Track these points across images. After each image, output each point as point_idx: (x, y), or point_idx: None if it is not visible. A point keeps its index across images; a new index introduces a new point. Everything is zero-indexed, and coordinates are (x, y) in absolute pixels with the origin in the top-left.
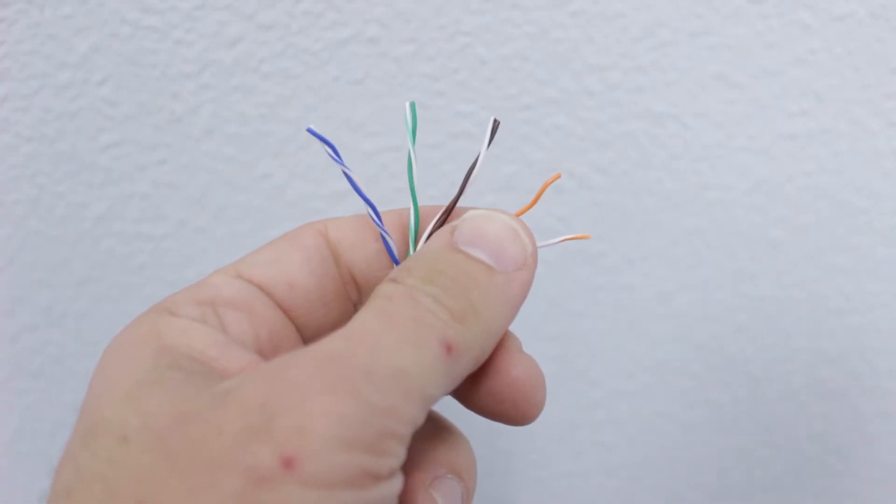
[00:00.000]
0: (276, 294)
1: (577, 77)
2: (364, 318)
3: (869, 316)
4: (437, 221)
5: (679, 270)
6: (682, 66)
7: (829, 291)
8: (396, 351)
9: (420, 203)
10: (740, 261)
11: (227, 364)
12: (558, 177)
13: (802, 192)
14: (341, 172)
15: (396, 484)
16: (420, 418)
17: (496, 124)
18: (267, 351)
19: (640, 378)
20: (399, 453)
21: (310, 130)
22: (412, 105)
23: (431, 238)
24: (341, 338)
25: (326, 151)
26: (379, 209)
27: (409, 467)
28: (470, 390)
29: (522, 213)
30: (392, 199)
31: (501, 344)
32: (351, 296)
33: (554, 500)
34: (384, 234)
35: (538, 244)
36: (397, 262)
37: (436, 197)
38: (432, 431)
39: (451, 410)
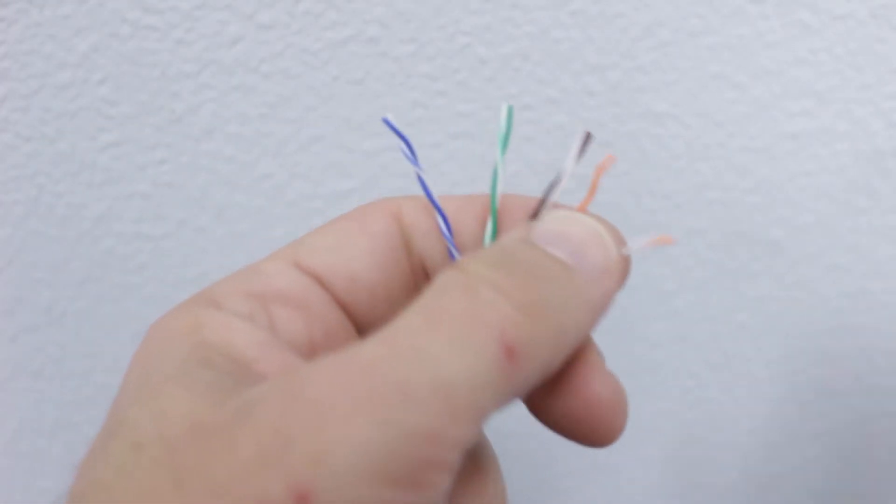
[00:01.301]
0: (335, 288)
1: (577, 77)
2: (408, 316)
3: (869, 316)
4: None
5: (679, 270)
6: (683, 66)
7: (829, 291)
8: (443, 358)
9: None
10: (740, 261)
11: (266, 367)
12: (612, 159)
13: (802, 192)
14: (414, 168)
15: None
16: (471, 439)
17: (588, 137)
18: (322, 353)
19: (641, 378)
20: (442, 483)
21: (385, 121)
22: (510, 109)
23: (504, 233)
24: (378, 342)
25: (401, 148)
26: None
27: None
28: (542, 405)
29: (584, 205)
30: None
31: (582, 358)
32: (419, 289)
33: (554, 500)
34: (452, 250)
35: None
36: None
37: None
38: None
39: None
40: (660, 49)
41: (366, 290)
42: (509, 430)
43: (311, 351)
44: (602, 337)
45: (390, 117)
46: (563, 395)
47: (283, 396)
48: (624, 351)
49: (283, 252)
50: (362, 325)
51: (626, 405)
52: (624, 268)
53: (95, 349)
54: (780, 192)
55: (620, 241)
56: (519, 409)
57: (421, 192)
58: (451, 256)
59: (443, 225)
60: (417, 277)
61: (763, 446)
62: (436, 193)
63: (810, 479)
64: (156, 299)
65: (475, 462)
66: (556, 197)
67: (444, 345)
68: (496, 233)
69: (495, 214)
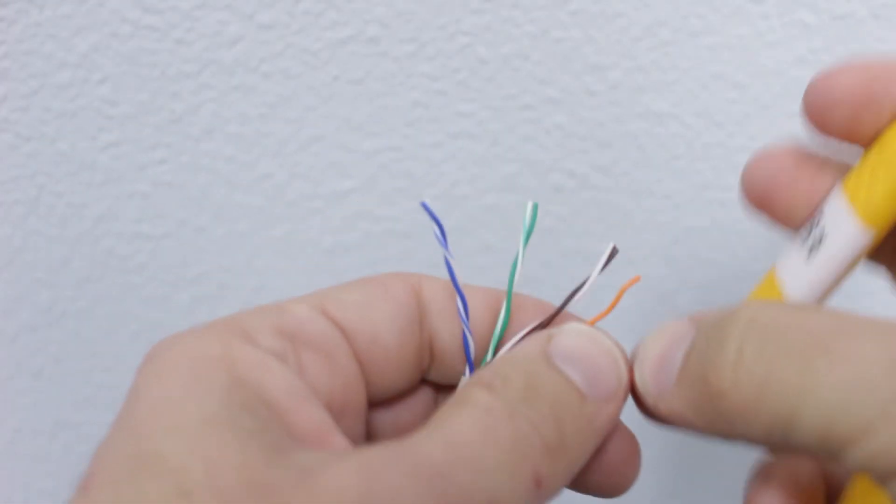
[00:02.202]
0: (358, 344)
1: (577, 77)
2: (461, 428)
3: (868, 316)
4: (533, 329)
5: (679, 270)
6: (683, 66)
7: None
8: (495, 475)
9: (409, 215)
10: (740, 260)
11: (297, 419)
12: (637, 279)
13: None
14: (442, 251)
15: None
16: None
17: (614, 251)
18: (337, 404)
19: None
20: None
21: (424, 206)
22: (534, 207)
23: (525, 340)
24: (440, 445)
25: (434, 232)
26: (368, 221)
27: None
28: None
29: (599, 318)
30: (392, 199)
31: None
32: (423, 361)
33: (553, 499)
34: (466, 333)
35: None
36: (471, 366)
37: (437, 196)
38: None
39: None
40: (660, 49)
41: (383, 353)
42: None
43: (329, 402)
44: None
45: (428, 202)
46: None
47: (360, 475)
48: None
49: (310, 298)
50: (371, 381)
51: (639, 457)
52: (628, 389)
53: (95, 349)
54: None
55: (629, 364)
56: None
57: (442, 274)
58: (465, 341)
59: (461, 308)
60: (423, 348)
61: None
62: (436, 193)
63: None
64: (156, 299)
65: None
66: (574, 306)
67: (497, 465)
68: (507, 324)
69: (508, 307)
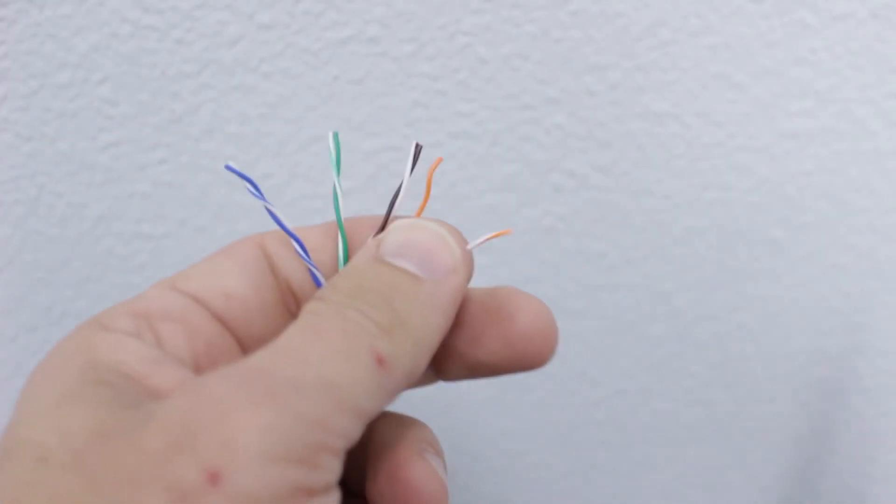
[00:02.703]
0: (213, 305)
1: (577, 76)
2: (291, 333)
3: (869, 316)
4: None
5: (679, 270)
6: (683, 66)
7: (829, 291)
8: (326, 362)
9: (408, 213)
10: (740, 261)
11: (159, 381)
12: (440, 160)
13: (803, 191)
14: (262, 203)
15: (332, 500)
16: (354, 433)
17: (418, 148)
18: (205, 366)
19: (640, 378)
20: (334, 468)
21: (228, 167)
22: (335, 136)
23: (357, 252)
24: (267, 352)
25: (248, 188)
26: (350, 214)
27: (395, 442)
28: (470, 350)
29: (422, 207)
30: None
31: (499, 294)
32: (290, 307)
33: (554, 500)
34: (310, 266)
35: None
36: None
37: (437, 196)
38: (400, 421)
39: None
40: (660, 49)
41: (240, 305)
42: (510, 429)
43: (195, 363)
44: (602, 336)
45: (232, 164)
46: (491, 338)
47: (186, 396)
48: (624, 351)
49: (163, 281)
50: (242, 338)
51: (549, 320)
52: (469, 264)
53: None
54: (780, 192)
55: (463, 240)
56: (518, 407)
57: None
58: (313, 276)
59: (299, 249)
60: (285, 295)
61: (763, 446)
62: (437, 193)
63: (810, 479)
64: None
65: (409, 417)
66: (398, 209)
67: (327, 353)
68: (348, 250)
69: (343, 234)
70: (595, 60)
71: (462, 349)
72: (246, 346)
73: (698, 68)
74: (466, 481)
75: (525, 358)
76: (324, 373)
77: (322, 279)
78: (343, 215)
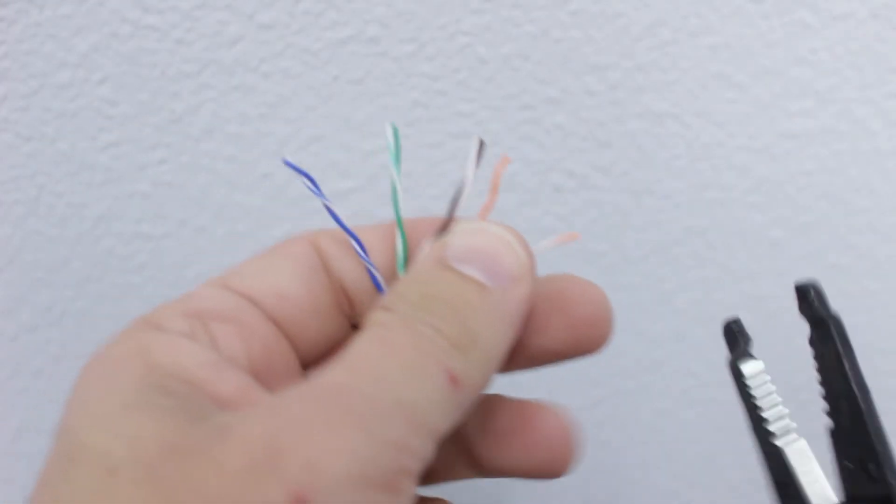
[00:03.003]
0: (266, 305)
1: (577, 76)
2: (363, 347)
3: (869, 316)
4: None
5: (679, 270)
6: (683, 66)
7: (829, 291)
8: (401, 382)
9: (411, 214)
10: (740, 261)
11: (219, 387)
12: (507, 160)
13: (803, 191)
14: (321, 200)
15: None
16: (429, 454)
17: (482, 144)
18: (261, 368)
19: (640, 378)
20: (411, 491)
21: (286, 162)
22: (394, 128)
23: (420, 255)
24: (342, 368)
25: (304, 184)
26: (368, 220)
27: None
28: (496, 454)
29: (486, 212)
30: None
31: (520, 407)
32: (343, 308)
33: (554, 499)
34: (370, 268)
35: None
36: (382, 293)
37: (437, 196)
38: None
39: None
40: (660, 49)
41: (294, 306)
42: None
43: (251, 366)
44: None
45: (290, 159)
46: (512, 442)
47: (267, 414)
48: (624, 351)
49: (213, 280)
50: (295, 339)
51: (572, 434)
52: (533, 270)
53: (95, 349)
54: (780, 192)
55: (527, 245)
56: None
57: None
58: (373, 277)
59: (359, 249)
60: (338, 295)
61: None
62: (437, 193)
63: None
64: (156, 299)
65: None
66: (461, 209)
67: (402, 371)
68: (407, 249)
69: (403, 233)
70: (595, 60)
71: (526, 340)
72: (299, 347)
73: (698, 68)
74: (467, 480)
75: (587, 343)
76: (399, 393)
77: (382, 281)
78: (360, 219)
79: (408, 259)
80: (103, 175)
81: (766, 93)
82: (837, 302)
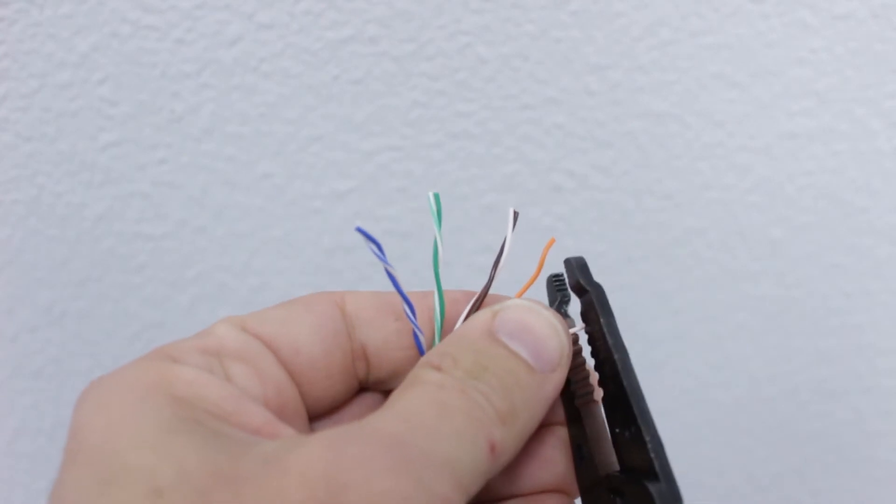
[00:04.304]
0: (281, 354)
1: (577, 76)
2: (416, 403)
3: (869, 316)
4: (471, 308)
5: (679, 270)
6: (683, 66)
7: (829, 291)
8: (452, 441)
9: (411, 214)
10: (740, 261)
11: (244, 420)
12: (553, 241)
13: (803, 191)
14: (383, 265)
15: None
16: None
17: (516, 215)
18: (274, 409)
19: (641, 378)
20: None
21: (359, 230)
22: (436, 196)
23: (470, 320)
24: (399, 420)
25: (371, 250)
26: (368, 219)
27: None
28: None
29: (525, 289)
30: (392, 199)
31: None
32: (358, 372)
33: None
34: (416, 331)
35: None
36: (423, 355)
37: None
38: None
39: None
40: (660, 49)
41: (307, 363)
42: None
43: (267, 405)
44: None
45: (363, 226)
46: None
47: (325, 451)
48: None
49: (231, 319)
50: (303, 391)
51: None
52: (570, 358)
53: (95, 349)
54: (780, 192)
55: (567, 332)
56: None
57: (361, 287)
58: (416, 340)
59: (409, 313)
60: (357, 358)
61: (763, 446)
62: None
63: (810, 479)
64: (156, 299)
65: None
66: (500, 274)
67: (453, 434)
68: (444, 311)
69: (442, 298)
70: (595, 60)
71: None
72: (306, 400)
73: (698, 68)
74: None
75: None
76: (450, 452)
77: (424, 345)
78: (363, 226)
79: (444, 323)
80: (103, 175)
81: (766, 93)
82: (838, 302)
